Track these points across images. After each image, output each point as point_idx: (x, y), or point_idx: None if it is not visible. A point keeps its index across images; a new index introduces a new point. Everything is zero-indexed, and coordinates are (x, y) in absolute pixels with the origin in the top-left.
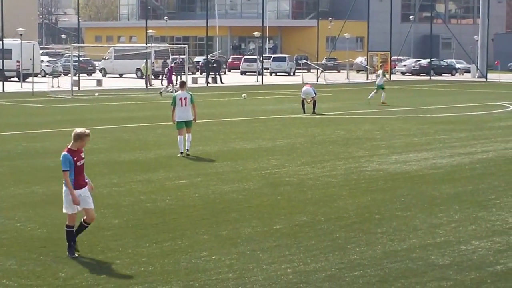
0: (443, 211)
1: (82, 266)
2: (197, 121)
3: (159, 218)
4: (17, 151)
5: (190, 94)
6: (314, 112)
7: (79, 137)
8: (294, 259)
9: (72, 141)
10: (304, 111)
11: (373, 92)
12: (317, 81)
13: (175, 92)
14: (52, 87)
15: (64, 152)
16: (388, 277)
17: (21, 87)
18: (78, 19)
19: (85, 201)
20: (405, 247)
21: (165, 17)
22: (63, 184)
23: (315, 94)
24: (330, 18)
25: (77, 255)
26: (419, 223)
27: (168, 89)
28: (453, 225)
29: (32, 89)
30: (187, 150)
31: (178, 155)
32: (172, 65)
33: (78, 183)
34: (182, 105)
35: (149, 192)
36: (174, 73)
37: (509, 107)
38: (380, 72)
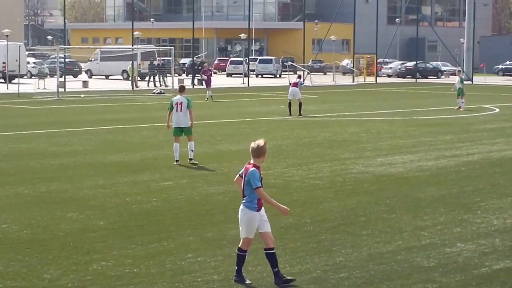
0: (428, 214)
1: (67, 268)
2: (192, 127)
3: (145, 219)
4: (2, 152)
5: (187, 99)
6: (300, 114)
7: (265, 151)
8: (279, 261)
9: (256, 157)
10: (290, 113)
11: (461, 101)
12: (303, 83)
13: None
14: (38, 88)
15: (253, 168)
16: (373, 279)
17: (7, 88)
18: (64, 21)
19: (264, 225)
20: (391, 249)
21: (152, 19)
22: (243, 206)
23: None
24: (316, 21)
25: (249, 282)
26: (404, 225)
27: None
28: (438, 227)
29: (18, 90)
30: (191, 159)
31: (174, 163)
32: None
33: (260, 203)
34: (177, 111)
35: (135, 194)
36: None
37: (495, 110)
38: (458, 78)
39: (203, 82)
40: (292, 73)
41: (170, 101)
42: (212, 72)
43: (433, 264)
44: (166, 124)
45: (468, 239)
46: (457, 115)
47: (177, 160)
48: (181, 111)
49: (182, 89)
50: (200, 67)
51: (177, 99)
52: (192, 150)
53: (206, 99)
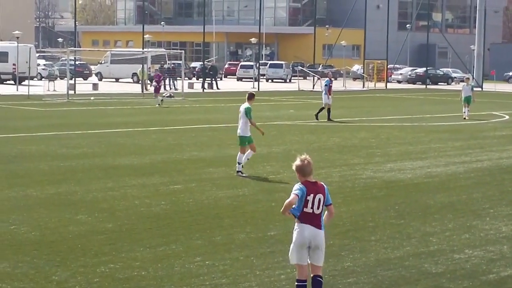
0: (437, 220)
1: (75, 270)
2: (263, 134)
3: (153, 222)
4: (12, 154)
5: (245, 108)
6: (316, 119)
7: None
8: (288, 265)
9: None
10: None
11: (466, 109)
12: (313, 88)
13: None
14: (48, 90)
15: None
16: (381, 284)
17: (17, 90)
18: (75, 23)
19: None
20: (399, 255)
21: (162, 22)
22: (323, 230)
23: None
24: (327, 26)
25: None
26: (413, 231)
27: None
28: (446, 233)
29: (28, 92)
30: (242, 165)
31: (236, 174)
32: (159, 73)
33: None
34: (239, 119)
35: (144, 197)
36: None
37: (505, 117)
38: (465, 86)
39: (165, 87)
40: (302, 78)
41: (249, 108)
42: (163, 78)
43: (441, 270)
44: (261, 132)
45: (477, 245)
46: (466, 122)
47: (242, 166)
48: (240, 119)
49: (251, 97)
50: (210, 71)
51: (241, 107)
52: (247, 158)
53: (157, 105)
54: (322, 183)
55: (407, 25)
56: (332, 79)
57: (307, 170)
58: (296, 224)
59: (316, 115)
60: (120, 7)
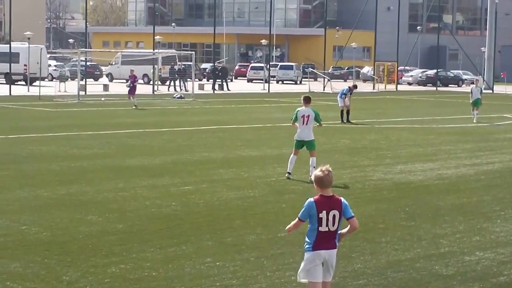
0: (447, 222)
1: (86, 270)
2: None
3: (164, 223)
4: (23, 154)
5: (316, 113)
6: (348, 120)
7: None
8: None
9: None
10: (342, 119)
11: (475, 112)
12: (324, 90)
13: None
14: (59, 91)
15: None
16: (391, 286)
17: (28, 91)
18: (86, 24)
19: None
20: (409, 257)
21: (173, 24)
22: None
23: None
24: (337, 28)
25: None
26: (423, 233)
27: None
28: (457, 235)
29: (39, 93)
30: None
31: (286, 175)
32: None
33: None
34: (303, 123)
35: (154, 198)
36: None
37: None
38: (474, 86)
39: (130, 89)
40: (313, 80)
41: (295, 111)
42: (137, 79)
43: (451, 272)
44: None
45: (487, 247)
46: (477, 124)
47: (289, 173)
48: (306, 124)
49: (308, 100)
50: (221, 73)
51: (304, 111)
52: (314, 167)
53: (134, 106)
54: (340, 198)
55: (418, 27)
56: (354, 90)
57: (325, 181)
58: (307, 254)
59: (347, 119)
60: (131, 8)
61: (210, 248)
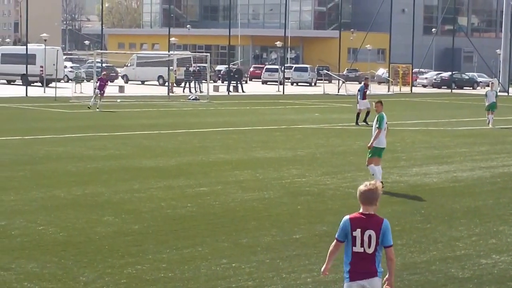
0: (463, 224)
1: (103, 271)
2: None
3: (179, 224)
4: (39, 155)
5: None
6: (365, 121)
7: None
8: (314, 268)
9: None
10: (357, 122)
11: (491, 116)
12: (338, 92)
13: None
14: (75, 92)
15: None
16: None
17: (44, 92)
18: (102, 26)
19: None
20: (425, 259)
21: (188, 26)
22: (381, 277)
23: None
24: (352, 30)
25: None
26: (439, 235)
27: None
28: (473, 238)
29: (55, 94)
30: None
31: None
32: (102, 76)
33: None
34: (385, 129)
35: (170, 199)
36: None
37: None
38: (489, 89)
39: (100, 90)
40: (327, 82)
41: (380, 116)
42: (108, 81)
43: (468, 275)
44: (370, 143)
45: (504, 250)
46: (493, 126)
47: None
48: (385, 130)
49: (381, 104)
50: (235, 74)
51: (385, 117)
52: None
53: (97, 108)
54: (383, 219)
55: (433, 29)
56: (368, 84)
57: (369, 197)
58: (345, 285)
59: (365, 121)
60: (146, 10)
61: (225, 249)
